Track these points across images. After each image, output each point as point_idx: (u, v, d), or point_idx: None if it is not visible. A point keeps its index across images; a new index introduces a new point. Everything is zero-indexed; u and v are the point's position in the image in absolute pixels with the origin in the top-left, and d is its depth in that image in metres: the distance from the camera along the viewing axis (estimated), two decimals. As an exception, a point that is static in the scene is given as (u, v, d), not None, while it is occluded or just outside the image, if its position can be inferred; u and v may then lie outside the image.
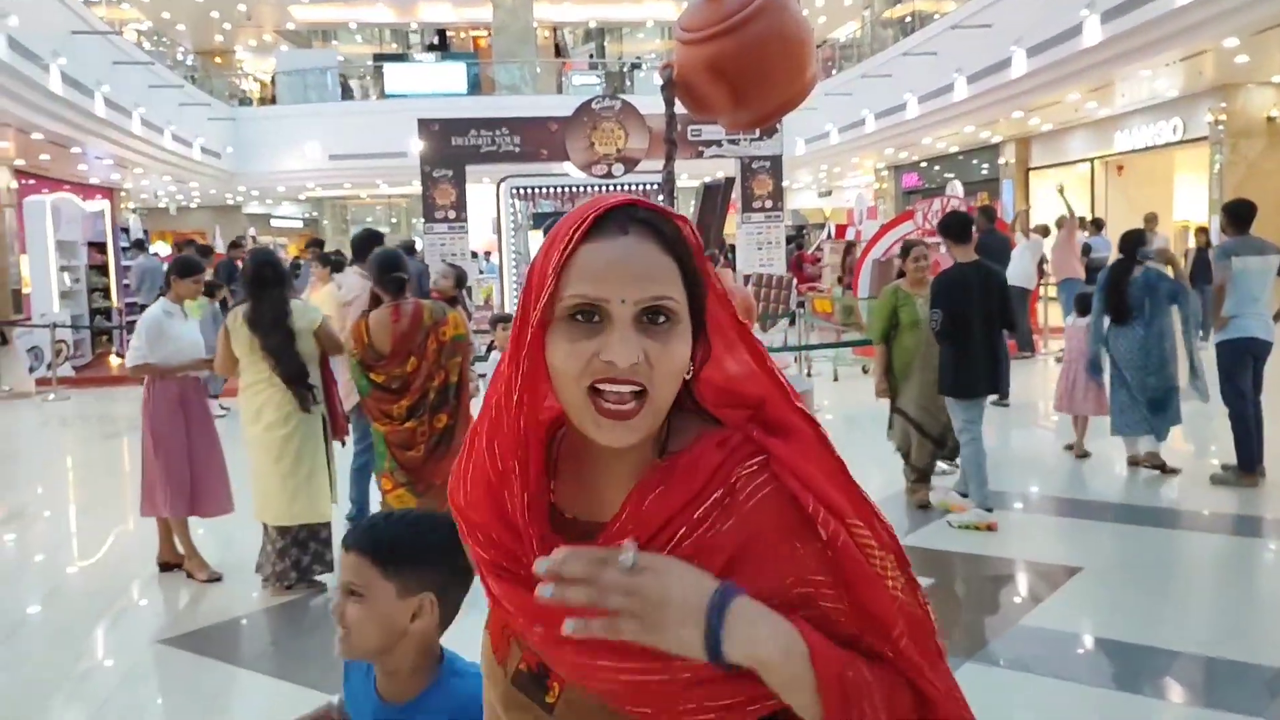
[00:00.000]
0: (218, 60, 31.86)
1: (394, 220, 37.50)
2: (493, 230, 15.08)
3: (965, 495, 5.87)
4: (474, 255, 15.20)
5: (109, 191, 25.48)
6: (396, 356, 4.48)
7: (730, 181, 9.48)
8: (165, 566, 5.35)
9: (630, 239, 0.97)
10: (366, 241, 6.09)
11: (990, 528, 5.56)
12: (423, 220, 12.49)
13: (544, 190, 13.76)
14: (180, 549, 5.26)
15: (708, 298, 1.03)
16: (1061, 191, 14.04)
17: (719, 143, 12.08)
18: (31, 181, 21.03)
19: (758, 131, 12.16)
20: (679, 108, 7.73)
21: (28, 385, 13.02)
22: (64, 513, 7.36)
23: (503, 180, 13.53)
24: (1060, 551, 5.44)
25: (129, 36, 20.74)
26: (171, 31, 28.91)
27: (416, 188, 12.21)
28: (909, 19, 24.57)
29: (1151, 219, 14.57)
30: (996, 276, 5.72)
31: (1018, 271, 11.74)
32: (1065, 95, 17.14)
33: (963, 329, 5.45)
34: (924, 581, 3.85)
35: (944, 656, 1.02)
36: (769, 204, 12.47)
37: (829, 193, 35.21)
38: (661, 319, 0.97)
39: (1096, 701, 3.58)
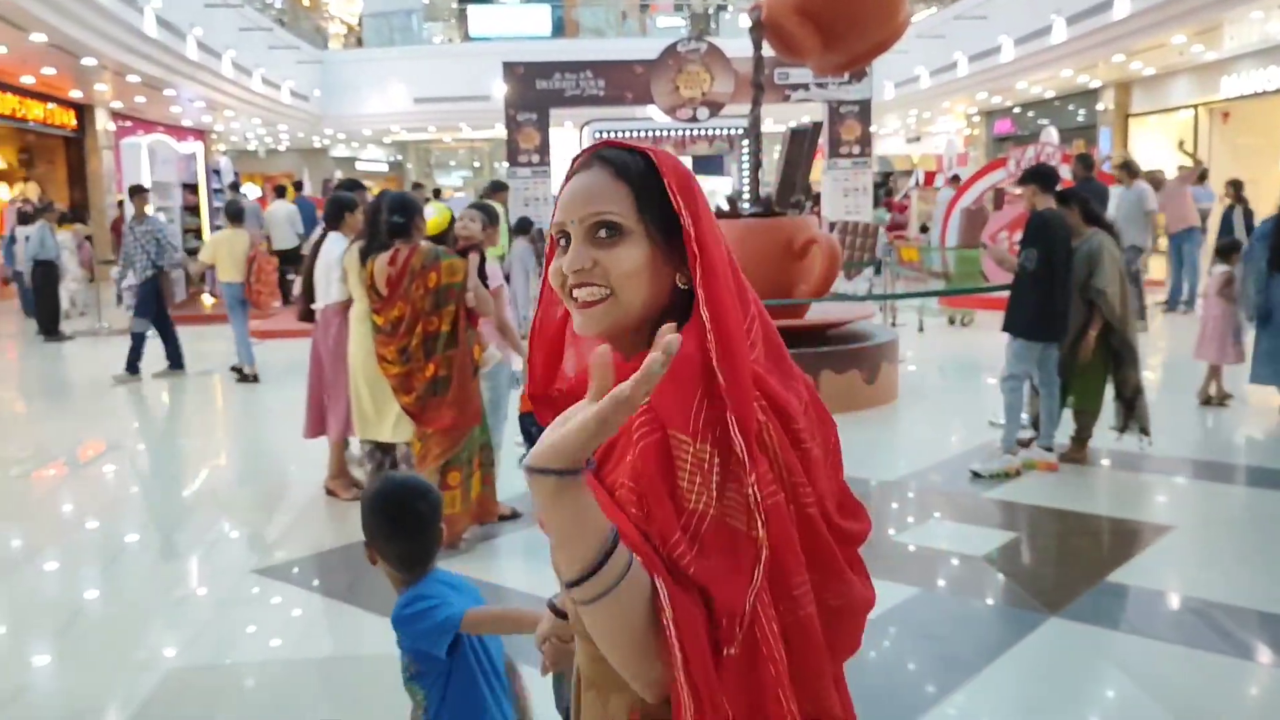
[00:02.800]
0: (306, 3, 32.14)
1: (476, 164, 37.70)
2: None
3: (1050, 450, 5.74)
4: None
5: (200, 134, 26.07)
6: (390, 300, 4.52)
7: (818, 126, 9.24)
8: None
9: (587, 172, 1.21)
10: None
11: (1017, 472, 5.54)
12: (506, 164, 12.51)
13: (627, 134, 13.68)
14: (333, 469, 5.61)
15: (687, 219, 1.16)
16: (1182, 146, 13.58)
17: (806, 86, 11.83)
18: (128, 124, 21.63)
19: (847, 75, 11.88)
20: (767, 50, 7.58)
21: (124, 323, 13.48)
22: (158, 445, 7.65)
23: (586, 124, 13.49)
24: (1153, 508, 5.30)
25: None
26: (261, -26, 29.21)
27: (499, 131, 12.23)
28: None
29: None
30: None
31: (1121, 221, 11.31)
32: (1170, 37, 16.36)
33: (1051, 271, 5.32)
34: (1006, 535, 3.79)
35: (788, 585, 1.10)
36: (856, 150, 12.21)
37: (917, 139, 34.31)
38: (603, 232, 1.17)
39: (1182, 660, 3.50)
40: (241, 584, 4.42)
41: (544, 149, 11.76)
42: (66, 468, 6.84)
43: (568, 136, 16.50)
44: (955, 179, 18.43)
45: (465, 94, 24.25)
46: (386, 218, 4.60)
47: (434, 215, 4.88)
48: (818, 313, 8.10)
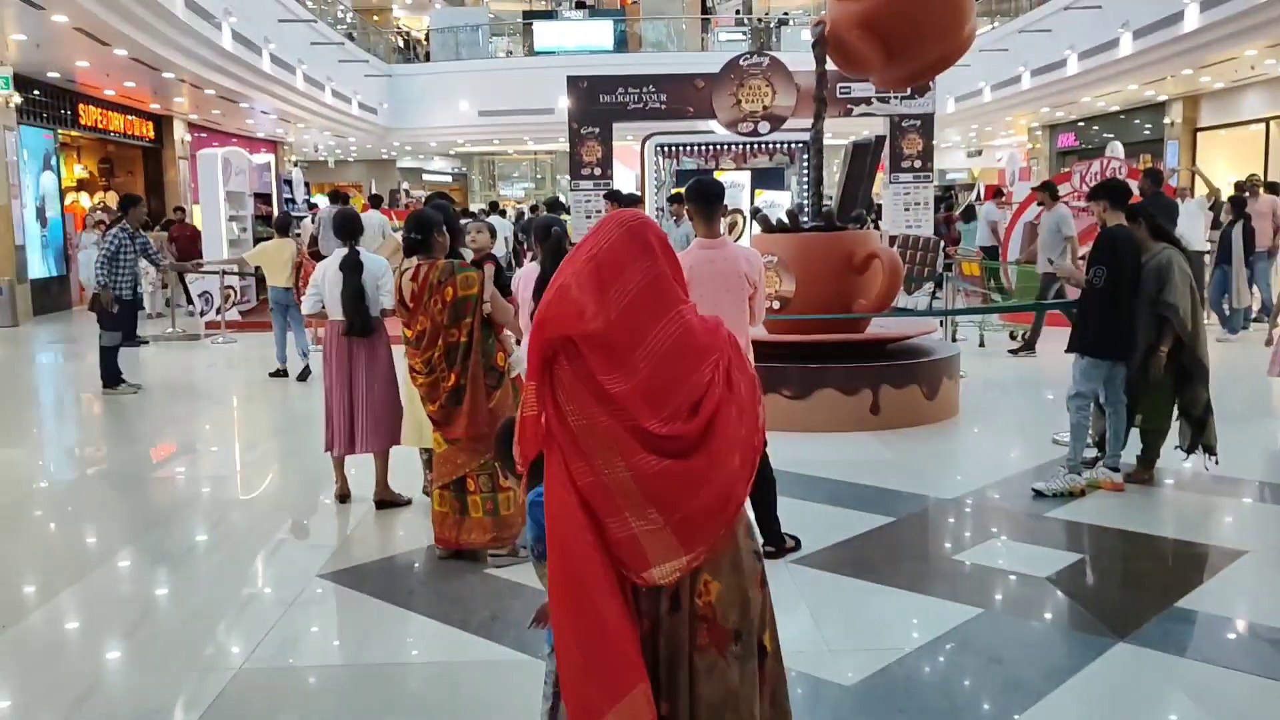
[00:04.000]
0: (375, 19, 32.78)
1: (539, 176, 38.06)
2: (636, 187, 15.13)
3: (1116, 470, 5.62)
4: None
5: (273, 145, 26.73)
6: (414, 313, 4.69)
7: (880, 141, 9.18)
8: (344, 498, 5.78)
9: None
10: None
11: (1082, 492, 5.44)
12: (569, 177, 12.63)
13: (688, 148, 13.73)
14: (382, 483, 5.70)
15: None
16: (1195, 169, 13.32)
17: (868, 100, 11.78)
18: (204, 135, 22.26)
19: (909, 89, 11.80)
20: (829, 64, 7.51)
21: (197, 328, 13.87)
22: (230, 448, 7.85)
23: (648, 137, 13.55)
24: (1224, 532, 5.17)
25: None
26: (332, -11, 29.87)
27: (562, 144, 12.36)
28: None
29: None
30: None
31: (1189, 235, 11.09)
32: (1243, 51, 15.95)
33: (1119, 288, 5.24)
34: (1071, 557, 3.73)
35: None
36: (918, 164, 12.11)
37: (979, 152, 33.91)
38: None
39: (1257, 690, 3.41)
40: (307, 588, 4.52)
41: (606, 162, 11.85)
42: (138, 470, 7.04)
43: (630, 150, 16.57)
44: (998, 192, 18.19)
45: (528, 107, 24.53)
46: (406, 235, 4.77)
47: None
48: (878, 327, 8.04)
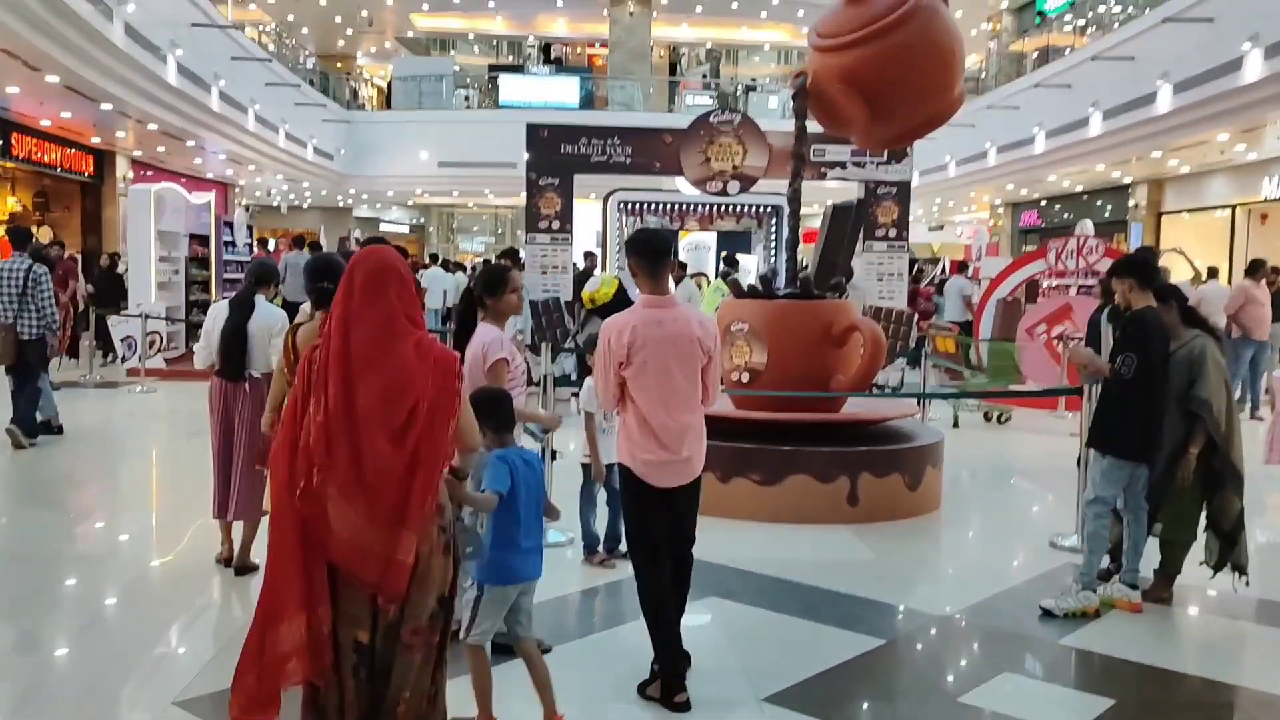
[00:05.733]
0: (339, 65, 32.23)
1: (499, 230, 37.44)
2: (597, 245, 14.47)
3: (1134, 587, 4.90)
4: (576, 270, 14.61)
5: (224, 187, 25.81)
6: None
7: (863, 203, 8.66)
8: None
9: None
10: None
11: (1096, 613, 4.73)
12: (524, 232, 11.94)
13: (652, 206, 13.11)
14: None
15: None
16: (1182, 253, 12.99)
17: (843, 164, 11.23)
18: (149, 173, 21.30)
19: (885, 154, 11.28)
20: (809, 121, 6.66)
21: (117, 374, 12.87)
22: (141, 507, 6.91)
23: (611, 194, 12.90)
24: (1271, 673, 4.41)
25: (250, 35, 20.87)
26: (297, 35, 29.30)
27: (522, 199, 11.65)
28: (1035, 54, 23.34)
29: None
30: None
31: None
32: (1214, 135, 15.79)
33: (1150, 380, 4.56)
34: (1098, 702, 2.85)
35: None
36: (893, 233, 11.55)
37: (940, 227, 33.89)
38: None
39: None
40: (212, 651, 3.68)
41: (565, 215, 11.13)
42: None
43: (591, 209, 15.92)
44: (963, 266, 17.82)
45: (490, 160, 23.95)
46: (313, 284, 4.16)
47: (599, 285, 4.29)
48: (854, 407, 7.33)
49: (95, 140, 18.75)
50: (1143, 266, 4.70)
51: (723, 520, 6.23)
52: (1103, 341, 5.43)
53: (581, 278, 11.40)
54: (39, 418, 8.64)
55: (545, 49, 33.82)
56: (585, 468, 5.36)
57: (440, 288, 19.53)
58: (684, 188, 12.38)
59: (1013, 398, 10.65)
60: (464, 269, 22.13)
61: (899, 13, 6.72)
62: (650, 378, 3.71)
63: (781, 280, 7.95)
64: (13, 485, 7.66)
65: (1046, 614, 4.73)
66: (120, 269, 15.46)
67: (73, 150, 18.73)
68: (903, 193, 11.57)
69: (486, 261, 25.75)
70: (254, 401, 4.90)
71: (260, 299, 5.06)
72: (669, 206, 13.20)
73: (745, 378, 6.80)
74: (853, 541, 6.06)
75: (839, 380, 6.73)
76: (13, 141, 16.52)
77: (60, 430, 8.86)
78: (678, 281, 10.50)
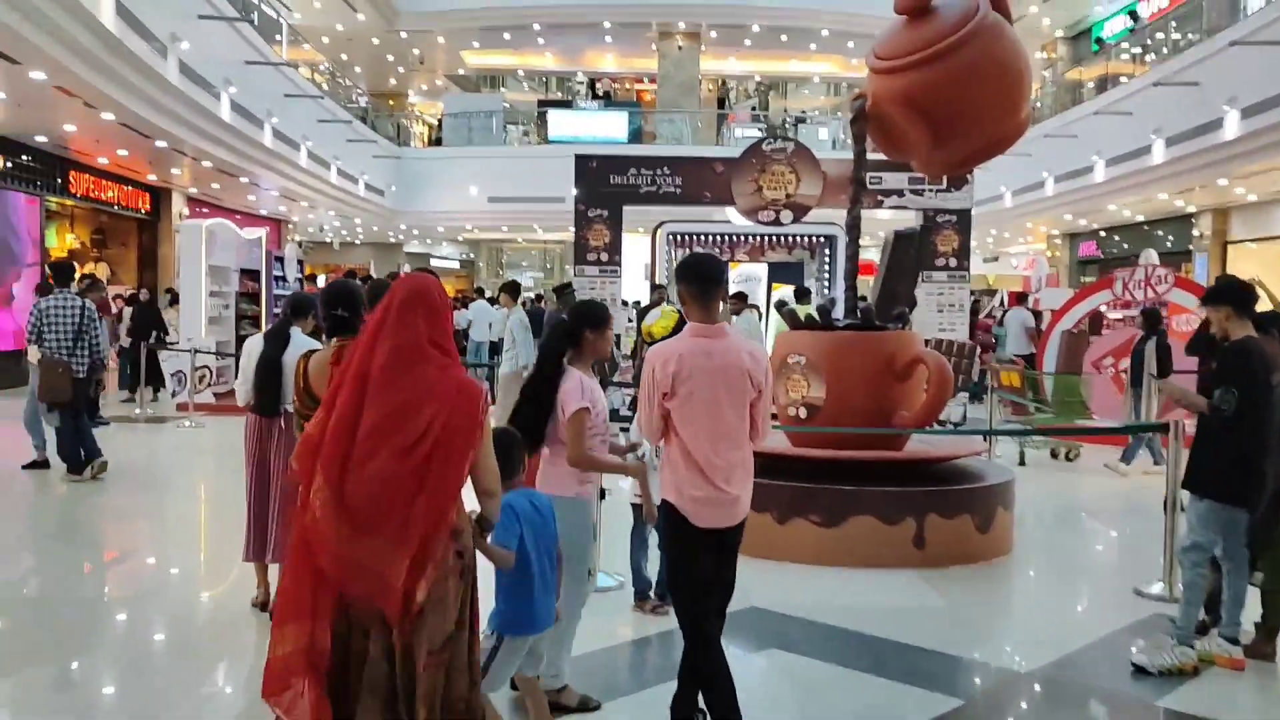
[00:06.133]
0: (390, 103, 32.62)
1: (548, 265, 37.49)
2: (645, 278, 14.25)
3: (1235, 641, 4.49)
4: (624, 303, 14.41)
5: (277, 223, 26.11)
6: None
7: (926, 230, 8.35)
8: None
9: None
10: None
11: (1194, 670, 4.35)
12: (573, 265, 11.77)
13: (703, 238, 12.88)
14: None
15: None
16: (1261, 284, 12.36)
17: (900, 192, 10.91)
18: (204, 210, 21.57)
19: (945, 181, 10.96)
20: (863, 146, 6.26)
21: (167, 409, 12.86)
22: (180, 545, 6.75)
23: (659, 225, 12.71)
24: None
25: (303, 74, 21.12)
26: (350, 74, 29.73)
27: (572, 233, 11.47)
28: (1092, 82, 22.85)
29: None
30: None
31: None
32: (1283, 160, 15.21)
33: (1253, 416, 4.19)
34: None
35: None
36: (953, 262, 11.19)
37: (995, 258, 33.28)
38: None
39: None
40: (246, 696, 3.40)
41: (614, 248, 10.94)
42: (54, 573, 5.93)
43: (639, 242, 15.70)
44: (1022, 298, 17.31)
45: (539, 195, 23.98)
46: (327, 311, 3.99)
47: (658, 318, 4.07)
48: (916, 443, 6.97)
49: (151, 178, 19.03)
50: (1239, 292, 4.33)
51: (780, 564, 5.92)
52: (1145, 372, 5.07)
53: (647, 311, 11.12)
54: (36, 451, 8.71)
55: (590, 85, 33.98)
56: (636, 508, 5.08)
57: (486, 320, 19.46)
58: (735, 218, 12.15)
59: (1088, 435, 10.15)
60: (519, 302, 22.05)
61: (962, 32, 6.44)
62: (697, 410, 3.48)
63: (840, 311, 7.65)
64: (53, 521, 7.58)
65: (1140, 671, 4.34)
66: (161, 303, 15.58)
67: (130, 188, 19.03)
68: (963, 221, 11.22)
69: (538, 296, 25.75)
70: (290, 437, 4.70)
71: (296, 331, 4.88)
72: (719, 238, 12.98)
73: (803, 413, 6.49)
74: (920, 587, 5.69)
75: (902, 416, 6.39)
76: (71, 179, 16.80)
77: (47, 465, 8.77)
78: (737, 313, 10.18)
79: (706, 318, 3.56)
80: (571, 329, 3.88)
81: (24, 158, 15.39)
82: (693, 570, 3.54)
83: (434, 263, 34.77)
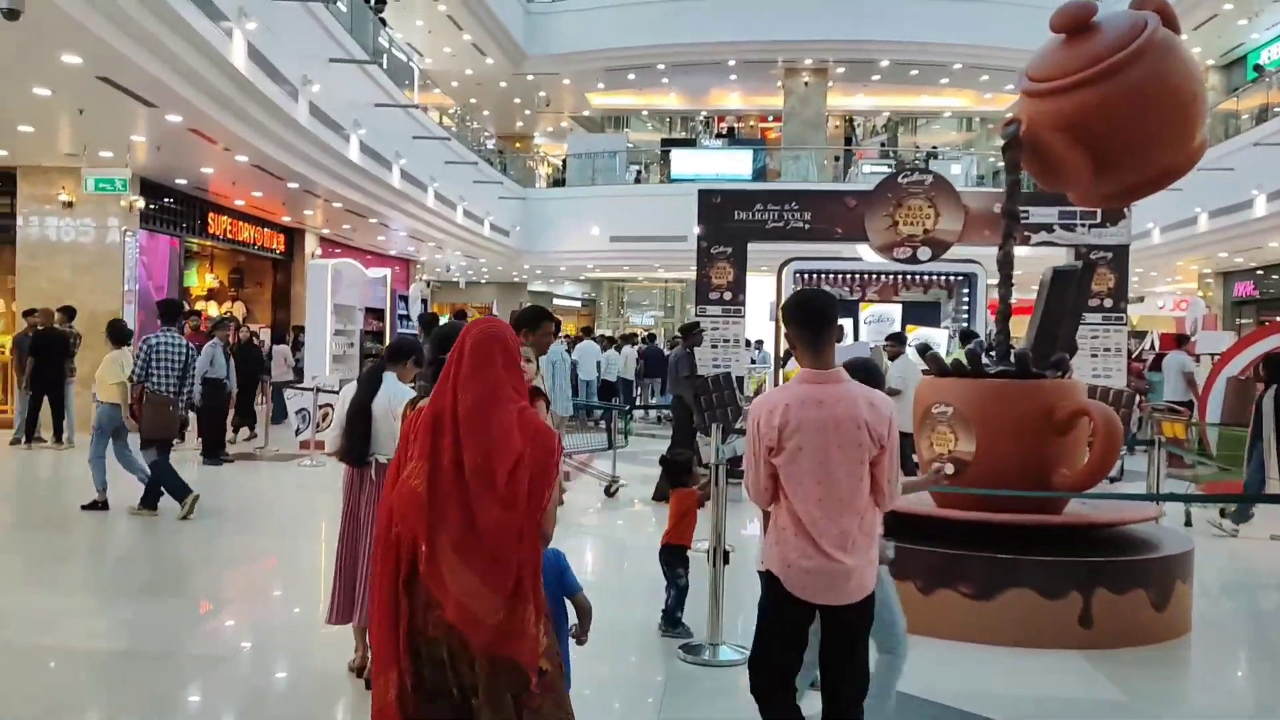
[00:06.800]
0: (517, 145, 33.12)
1: (669, 304, 37.31)
2: (770, 317, 13.72)
3: None
4: (748, 344, 13.91)
5: (406, 263, 26.63)
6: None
7: (1090, 266, 7.61)
8: None
9: None
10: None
11: None
12: (694, 304, 11.36)
13: (831, 276, 12.29)
14: None
15: None
16: None
17: (1049, 228, 10.14)
18: (337, 250, 22.11)
19: (1099, 215, 10.13)
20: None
21: (291, 447, 12.93)
22: (278, 597, 6.53)
23: (786, 263, 12.18)
24: None
25: (432, 116, 21.49)
26: (478, 117, 30.31)
27: (693, 272, 11.07)
28: (1247, 114, 21.32)
29: None
30: None
31: None
32: None
33: None
34: None
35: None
36: (1108, 303, 10.32)
37: (1140, 299, 31.45)
38: None
39: None
40: None
41: (738, 286, 10.47)
42: (142, 624, 5.76)
43: (763, 282, 15.18)
44: (1180, 340, 16.02)
45: (661, 234, 23.79)
46: (435, 354, 3.72)
47: None
48: (1076, 505, 6.22)
49: (286, 219, 19.56)
50: None
51: (924, 640, 5.27)
52: (1265, 428, 4.29)
53: (790, 356, 10.55)
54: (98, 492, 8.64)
55: (706, 122, 33.85)
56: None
57: (593, 360, 19.22)
58: (866, 255, 11.54)
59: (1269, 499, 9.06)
60: (632, 342, 21.79)
61: (1128, 50, 5.80)
62: (804, 467, 3.05)
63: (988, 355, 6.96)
64: (144, 566, 7.38)
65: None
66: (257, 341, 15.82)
67: (265, 229, 19.60)
68: (1119, 258, 10.35)
69: (651, 336, 25.45)
70: (380, 490, 4.35)
71: (390, 376, 4.57)
72: (849, 276, 12.37)
73: (949, 469, 5.84)
74: (1090, 674, 4.98)
75: (1063, 475, 5.69)
76: (209, 221, 17.34)
77: (106, 505, 8.66)
78: (894, 357, 9.42)
79: (817, 362, 3.13)
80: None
81: (166, 200, 15.93)
82: (779, 652, 3.17)
83: (556, 302, 35.02)
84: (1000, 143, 6.43)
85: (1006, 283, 6.28)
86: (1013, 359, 5.91)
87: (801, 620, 3.12)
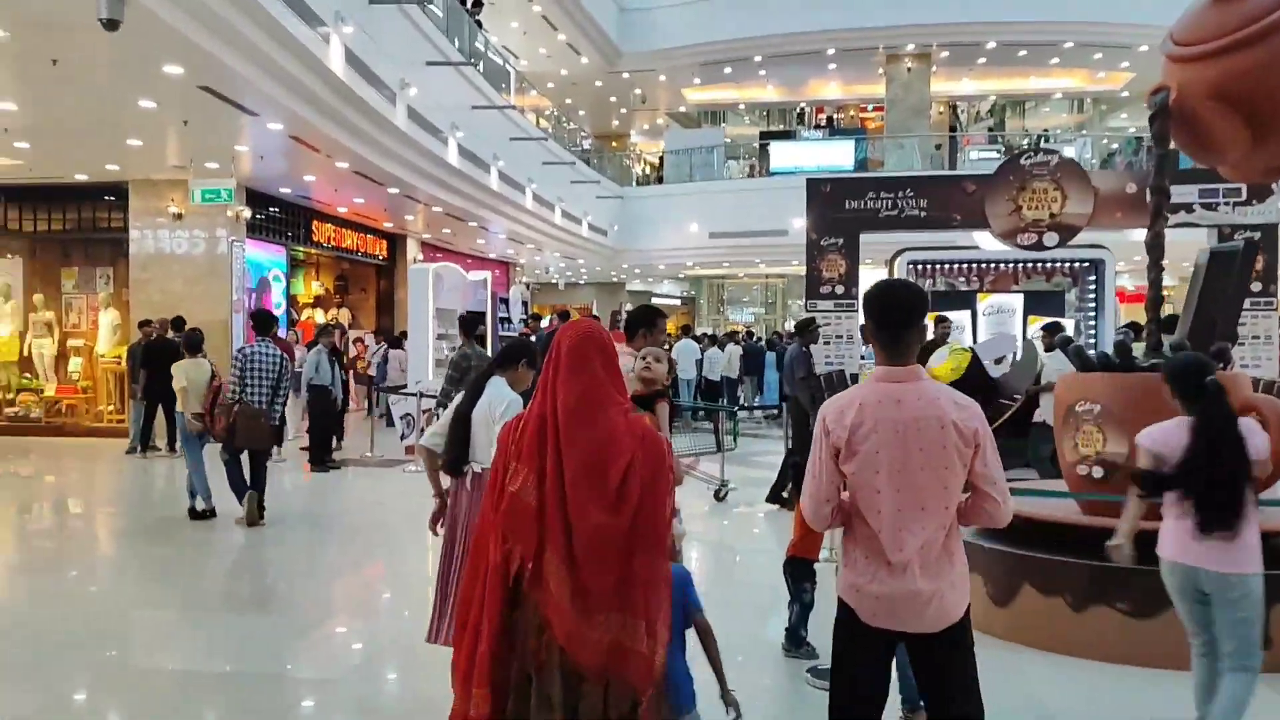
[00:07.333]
0: (613, 144, 33.00)
1: (770, 300, 36.72)
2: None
3: None
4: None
5: (505, 266, 26.72)
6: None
7: (1253, 245, 6.93)
8: None
9: None
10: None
11: None
12: (804, 299, 10.90)
13: (947, 266, 11.69)
14: None
15: None
16: None
17: (1189, 207, 9.39)
18: (438, 255, 22.26)
19: (1243, 191, 9.35)
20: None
21: (398, 453, 12.92)
22: (380, 611, 6.37)
23: (899, 254, 11.63)
24: None
25: (528, 118, 21.46)
26: (574, 117, 30.27)
27: (795, 267, 10.62)
28: None
29: None
30: None
31: None
32: None
33: None
34: None
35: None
36: (1256, 287, 9.51)
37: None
38: None
39: None
40: None
41: (850, 279, 9.98)
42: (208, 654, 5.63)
43: (870, 275, 14.53)
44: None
45: (761, 228, 23.35)
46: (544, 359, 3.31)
47: (945, 360, 3.41)
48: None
49: (388, 225, 19.75)
50: None
51: (1077, 661, 4.81)
52: None
53: (930, 348, 9.63)
54: (201, 501, 8.69)
55: (799, 115, 33.16)
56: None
57: (692, 359, 18.89)
58: (984, 243, 10.93)
59: None
60: (734, 340, 21.37)
61: (1288, 6, 5.20)
62: (881, 475, 2.68)
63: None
64: (250, 578, 7.32)
65: None
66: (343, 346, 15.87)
67: (368, 235, 19.82)
68: (1269, 239, 9.53)
69: (749, 332, 24.95)
70: (477, 501, 4.04)
71: (498, 381, 4.28)
72: (966, 266, 11.74)
73: (1098, 473, 5.33)
74: (1273, 702, 4.41)
75: (1230, 477, 5.10)
76: (314, 229, 17.57)
77: (213, 513, 8.72)
78: (1050, 349, 8.44)
79: (896, 358, 2.76)
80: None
81: (271, 209, 16.17)
82: (849, 684, 2.81)
83: (655, 300, 34.78)
84: (1146, 114, 5.85)
85: (1157, 266, 5.71)
86: (1168, 350, 5.35)
87: (871, 645, 2.76)
